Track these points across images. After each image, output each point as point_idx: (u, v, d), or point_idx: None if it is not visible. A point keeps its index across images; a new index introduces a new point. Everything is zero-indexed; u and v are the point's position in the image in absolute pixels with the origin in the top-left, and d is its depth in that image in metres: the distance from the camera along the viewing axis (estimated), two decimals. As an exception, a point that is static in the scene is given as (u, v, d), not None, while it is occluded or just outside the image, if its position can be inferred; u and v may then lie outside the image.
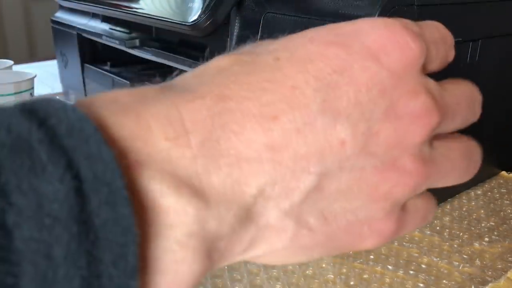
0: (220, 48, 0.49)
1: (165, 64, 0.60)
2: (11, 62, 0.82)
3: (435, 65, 0.22)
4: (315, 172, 0.19)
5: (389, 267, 0.39)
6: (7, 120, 0.14)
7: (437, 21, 0.23)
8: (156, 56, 0.60)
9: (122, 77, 0.70)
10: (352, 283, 0.37)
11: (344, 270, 0.38)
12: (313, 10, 0.39)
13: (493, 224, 0.45)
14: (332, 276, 0.37)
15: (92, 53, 0.78)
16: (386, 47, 0.20)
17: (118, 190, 0.14)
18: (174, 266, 0.16)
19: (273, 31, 0.42)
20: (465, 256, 0.40)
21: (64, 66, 0.84)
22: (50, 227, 0.13)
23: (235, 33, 0.46)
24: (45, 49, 2.23)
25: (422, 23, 0.22)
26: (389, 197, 0.20)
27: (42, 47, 2.41)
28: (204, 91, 0.18)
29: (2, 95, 0.67)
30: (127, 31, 0.67)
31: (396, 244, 0.42)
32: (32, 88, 0.70)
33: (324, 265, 0.39)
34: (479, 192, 0.51)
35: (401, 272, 0.38)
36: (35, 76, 0.71)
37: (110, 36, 0.66)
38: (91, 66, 0.76)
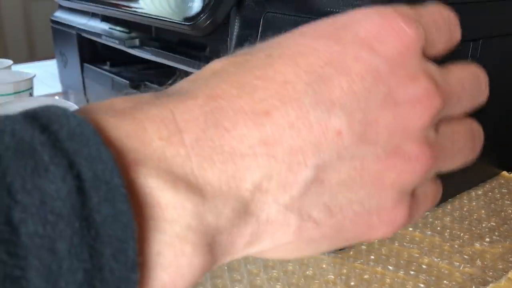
0: (220, 48, 0.49)
1: (165, 64, 0.60)
2: (10, 61, 0.81)
3: (439, 48, 0.22)
4: (311, 164, 0.19)
5: (390, 267, 0.39)
6: (11, 126, 0.15)
7: None
8: (155, 55, 0.60)
9: (121, 77, 0.69)
10: (352, 283, 0.37)
11: (345, 271, 0.38)
12: (313, 9, 0.39)
13: (494, 224, 0.45)
14: (332, 276, 0.37)
15: (92, 52, 0.78)
16: (380, 35, 0.20)
17: (116, 187, 0.15)
18: (175, 260, 0.17)
19: (273, 30, 0.42)
20: (466, 257, 0.40)
21: (63, 65, 0.84)
22: (54, 223, 0.14)
23: (235, 33, 0.46)
24: (45, 49, 2.23)
25: (420, 6, 0.22)
26: (396, 185, 0.20)
27: (41, 47, 2.41)
28: (196, 93, 0.19)
29: (2, 95, 0.66)
30: (127, 30, 0.67)
31: (396, 244, 0.42)
32: (32, 88, 0.70)
33: (324, 266, 0.38)
34: (480, 192, 0.51)
35: (401, 272, 0.38)
36: (35, 76, 0.71)
37: (110, 36, 0.66)
38: (90, 66, 0.76)
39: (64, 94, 0.86)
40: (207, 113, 0.18)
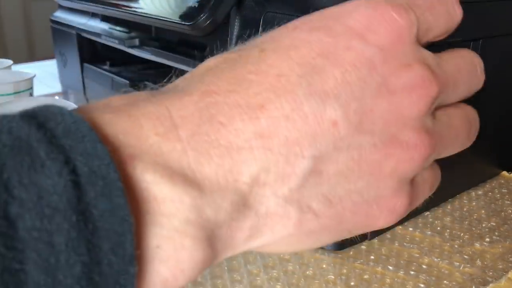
0: (220, 48, 0.49)
1: (165, 64, 0.60)
2: (10, 61, 0.81)
3: (438, 31, 0.22)
4: (308, 156, 0.19)
5: (390, 267, 0.39)
6: (8, 125, 0.15)
7: None
8: (155, 55, 0.60)
9: (121, 76, 0.69)
10: (352, 283, 0.37)
11: (345, 271, 0.38)
12: (313, 9, 0.39)
13: (494, 224, 0.45)
14: (332, 276, 0.37)
15: (92, 52, 0.78)
16: (371, 26, 0.20)
17: (113, 182, 0.15)
18: (175, 254, 0.17)
19: (273, 30, 0.42)
20: (466, 257, 0.40)
21: (63, 65, 0.84)
22: (51, 217, 0.14)
23: (235, 33, 0.46)
24: (44, 49, 2.23)
25: None
26: (395, 174, 0.20)
27: (41, 47, 2.41)
28: (191, 89, 0.19)
29: (2, 95, 0.66)
30: (127, 30, 0.67)
31: (396, 244, 0.42)
32: (31, 88, 0.70)
33: (324, 266, 0.38)
34: (480, 192, 0.51)
35: (401, 272, 0.38)
36: (34, 75, 0.71)
37: (110, 36, 0.66)
38: (90, 66, 0.76)
39: (64, 94, 0.86)
40: (202, 108, 0.18)
